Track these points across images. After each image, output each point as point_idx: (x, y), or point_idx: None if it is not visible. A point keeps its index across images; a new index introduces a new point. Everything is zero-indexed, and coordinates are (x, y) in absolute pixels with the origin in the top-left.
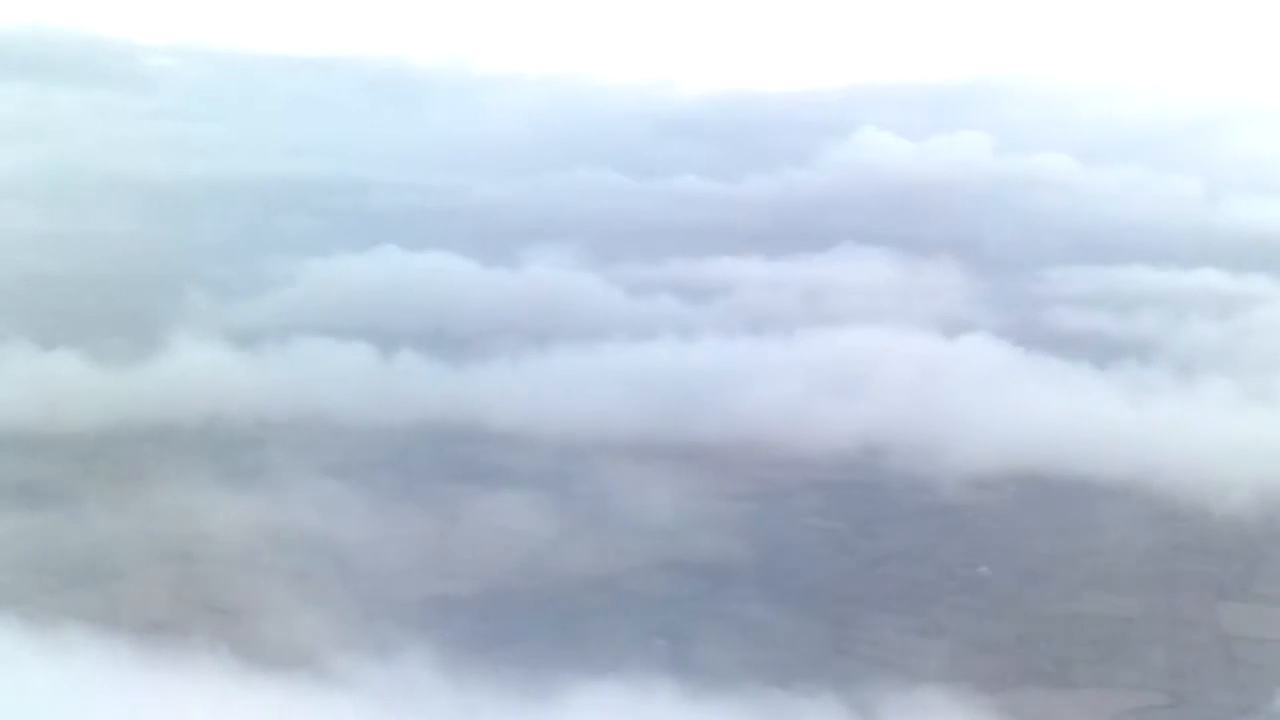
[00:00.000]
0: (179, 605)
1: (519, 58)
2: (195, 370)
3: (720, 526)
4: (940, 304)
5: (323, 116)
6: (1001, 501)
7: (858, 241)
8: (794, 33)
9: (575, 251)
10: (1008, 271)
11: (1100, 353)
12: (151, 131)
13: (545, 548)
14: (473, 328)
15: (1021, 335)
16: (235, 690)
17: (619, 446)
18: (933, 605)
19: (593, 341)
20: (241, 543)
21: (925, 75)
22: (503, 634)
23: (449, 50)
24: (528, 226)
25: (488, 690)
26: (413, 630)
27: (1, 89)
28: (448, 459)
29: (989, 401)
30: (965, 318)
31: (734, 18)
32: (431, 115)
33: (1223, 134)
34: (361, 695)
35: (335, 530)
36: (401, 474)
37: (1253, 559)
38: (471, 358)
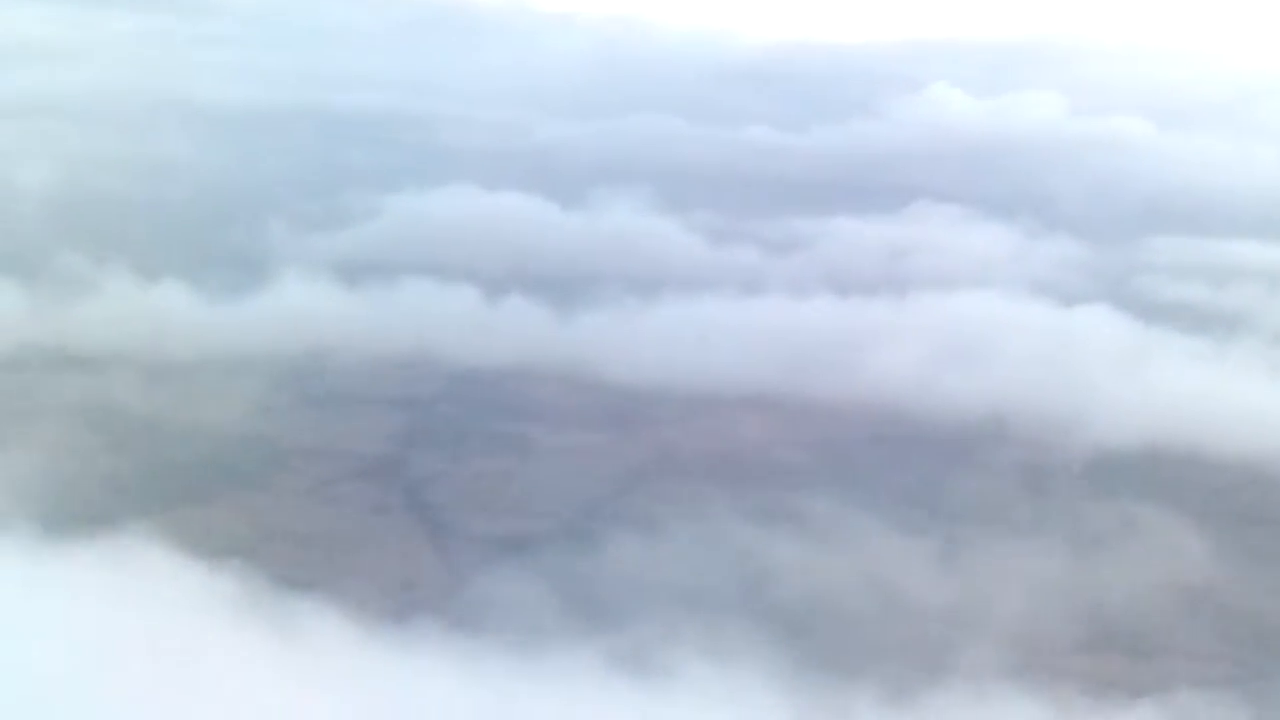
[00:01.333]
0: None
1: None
2: (303, 305)
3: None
4: (1034, 270)
5: (382, 49)
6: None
7: (933, 199)
8: None
9: (645, 197)
10: (1094, 238)
11: (1197, 324)
12: (208, 58)
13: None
14: (560, 271)
15: (1121, 305)
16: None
17: (759, 404)
18: None
19: (685, 292)
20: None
21: (993, 32)
22: None
23: None
24: (595, 169)
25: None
26: (490, 564)
27: (54, 11)
28: (549, 404)
29: (1116, 374)
30: (1064, 285)
31: None
32: (490, 52)
33: None
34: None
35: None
36: (496, 414)
37: None
38: (573, 304)
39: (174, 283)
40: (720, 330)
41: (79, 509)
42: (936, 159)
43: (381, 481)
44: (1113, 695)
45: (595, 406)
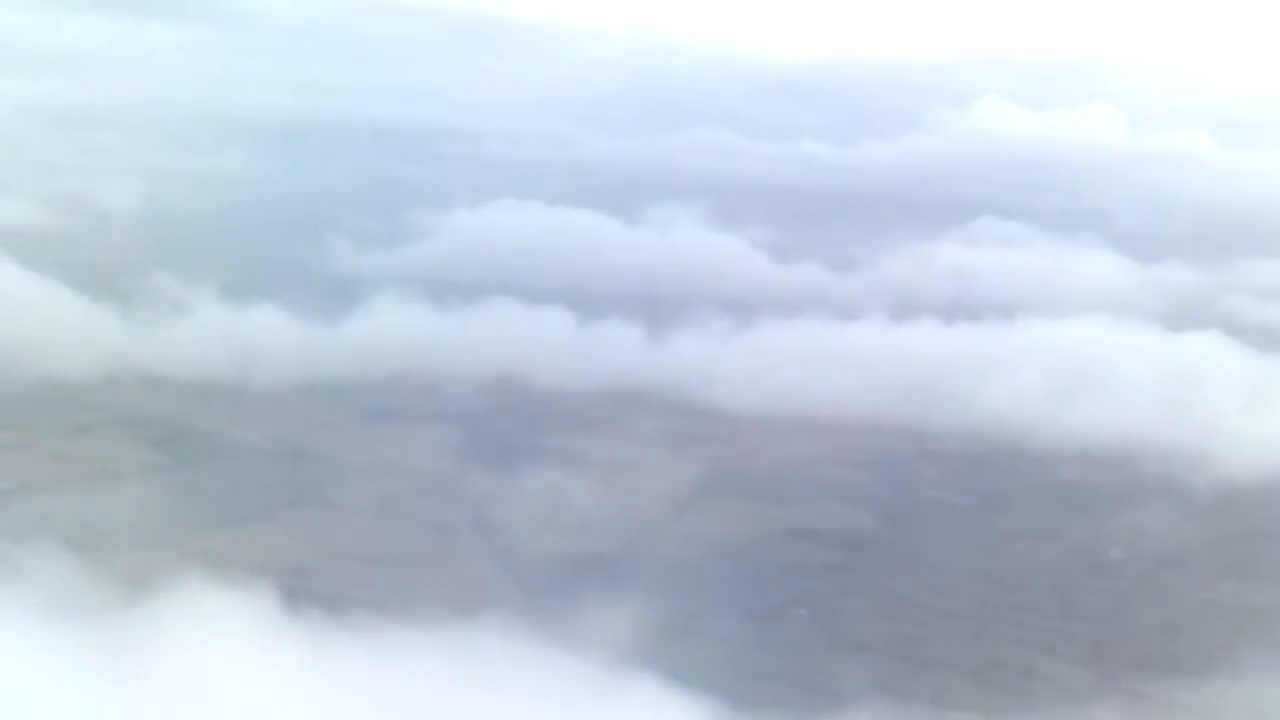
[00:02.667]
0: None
1: (608, 12)
2: (393, 326)
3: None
4: (1117, 292)
5: (420, 61)
6: None
7: (994, 216)
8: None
9: (701, 212)
10: (1166, 257)
11: None
12: (248, 69)
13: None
14: (630, 289)
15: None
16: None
17: (875, 431)
18: None
19: (759, 312)
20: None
21: (1038, 45)
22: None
23: (547, 3)
24: (648, 184)
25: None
26: (558, 584)
27: (92, 21)
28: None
29: (1237, 403)
30: (1156, 309)
31: None
32: (528, 66)
33: None
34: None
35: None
36: (556, 431)
37: None
38: (664, 325)
39: (255, 303)
40: (825, 356)
41: (146, 527)
42: (992, 174)
43: (445, 499)
44: None
45: (688, 428)
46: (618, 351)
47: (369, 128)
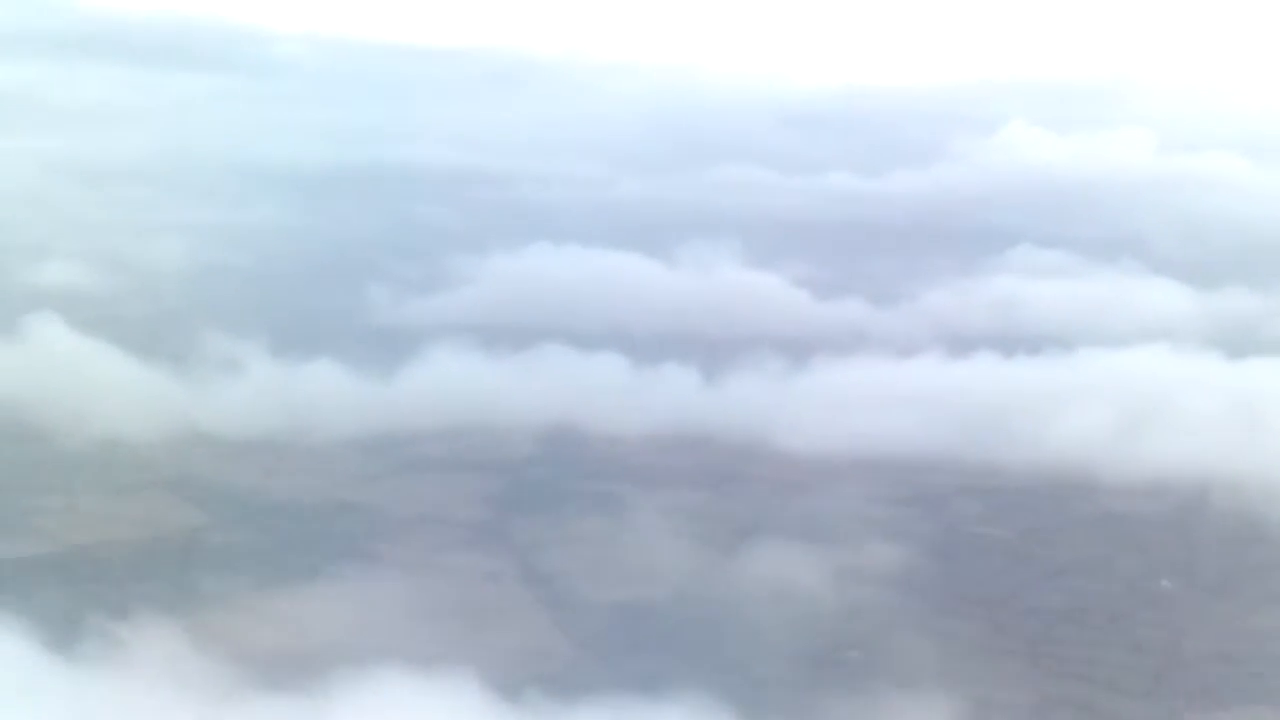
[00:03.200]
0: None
1: (629, 49)
2: (441, 376)
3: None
4: (1167, 318)
5: (447, 105)
6: None
7: (1035, 244)
8: (899, 28)
9: (736, 249)
10: (1217, 281)
11: None
12: (274, 116)
13: None
14: (678, 330)
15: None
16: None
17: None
18: None
19: (807, 350)
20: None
21: (1058, 70)
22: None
23: (565, 41)
24: (681, 222)
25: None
26: (612, 632)
27: (117, 73)
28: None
29: None
30: (1207, 333)
31: (838, 12)
32: (552, 105)
33: None
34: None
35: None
36: (595, 476)
37: None
38: (712, 366)
39: (303, 357)
40: (875, 393)
41: (191, 587)
42: (1025, 201)
43: (489, 549)
44: None
45: (737, 470)
46: (667, 395)
47: (400, 173)
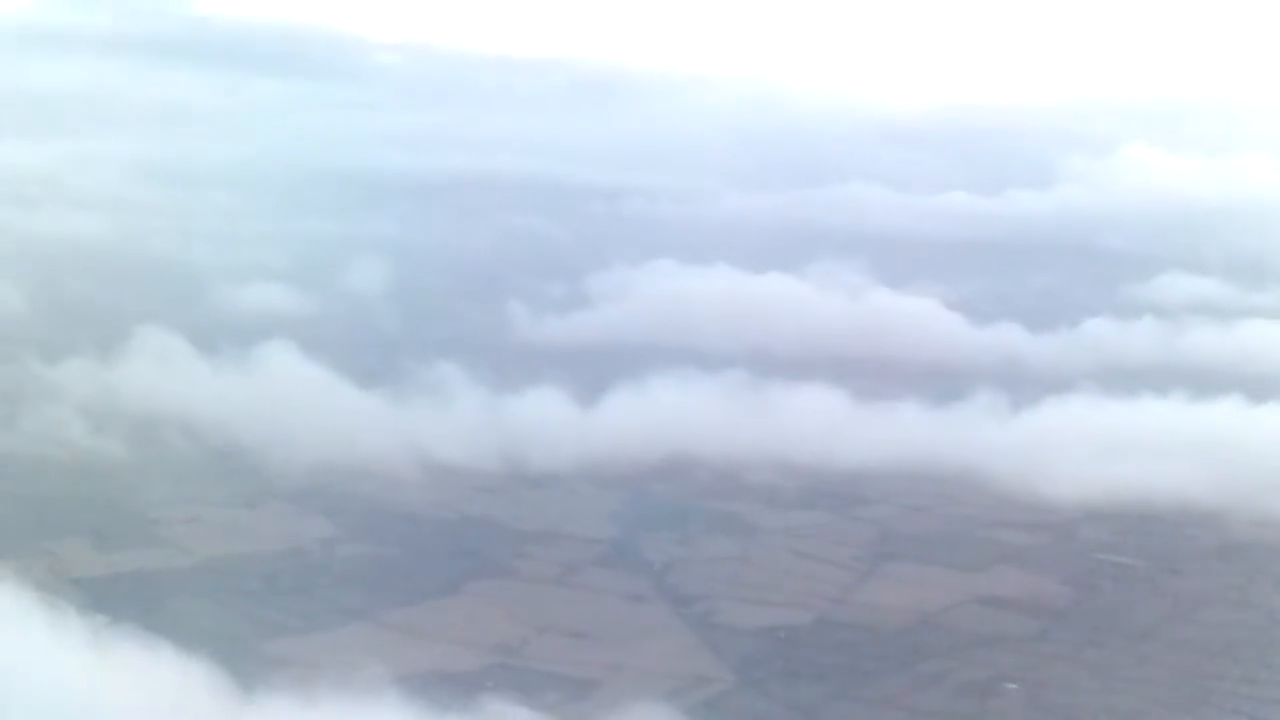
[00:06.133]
0: None
1: (716, 60)
2: (590, 393)
3: None
4: None
5: (540, 115)
6: None
7: (1182, 270)
8: (996, 45)
9: (867, 268)
10: None
11: None
12: (357, 123)
13: None
14: (828, 352)
15: None
16: None
17: None
18: None
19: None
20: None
21: (1175, 90)
22: None
23: (654, 52)
24: (802, 239)
25: None
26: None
27: (196, 77)
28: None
29: None
30: None
31: (924, 28)
32: (646, 117)
33: None
34: None
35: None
36: (717, 495)
37: None
38: (880, 392)
39: (443, 372)
40: (1047, 426)
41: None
42: (1155, 226)
43: (626, 567)
44: None
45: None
46: (827, 419)
47: (504, 184)
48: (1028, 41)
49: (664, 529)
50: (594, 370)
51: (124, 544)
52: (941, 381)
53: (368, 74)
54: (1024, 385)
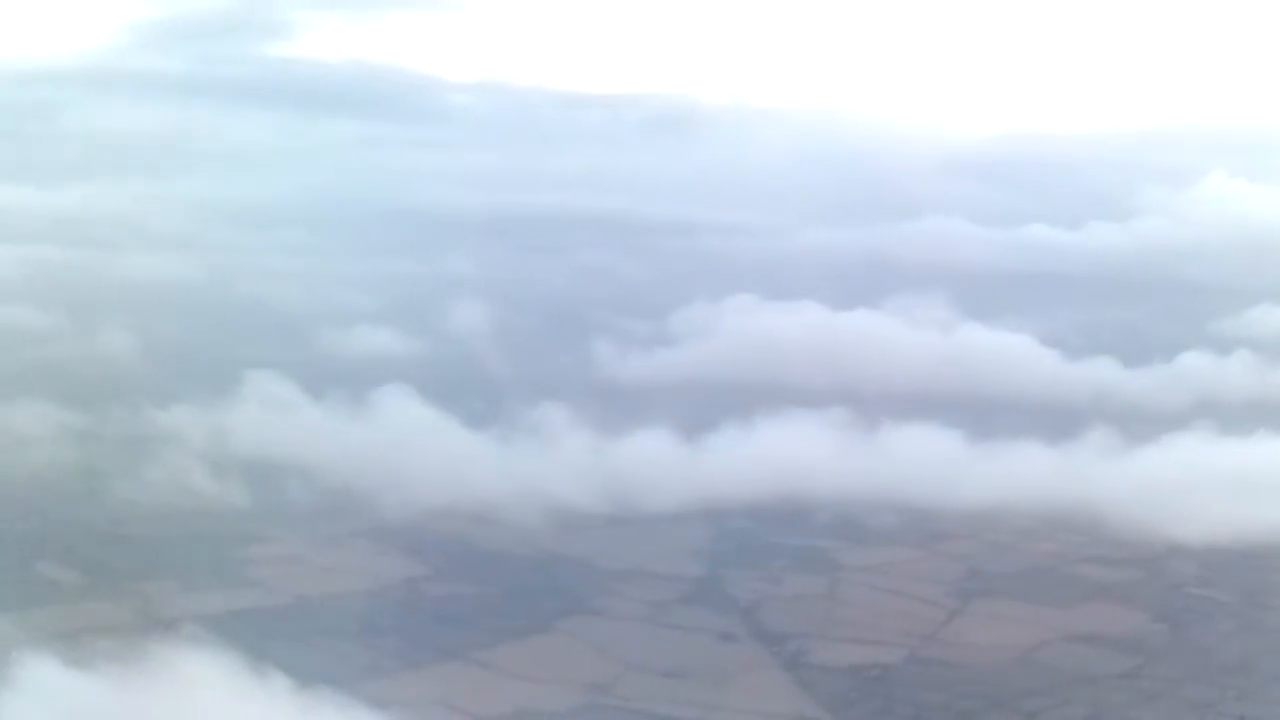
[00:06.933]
0: None
1: (787, 94)
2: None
3: None
4: None
5: (614, 152)
6: None
7: (1275, 302)
8: (1067, 73)
9: (947, 303)
10: None
11: None
12: (430, 162)
13: None
14: (928, 390)
15: None
16: None
17: None
18: None
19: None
20: None
21: (1254, 118)
22: None
23: (725, 86)
24: (882, 274)
25: None
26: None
27: (265, 118)
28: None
29: None
30: None
31: (995, 56)
32: (719, 152)
33: None
34: None
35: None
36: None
37: None
38: (982, 429)
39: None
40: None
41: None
42: (1240, 257)
43: (713, 605)
44: None
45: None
46: (929, 458)
47: (576, 221)
48: (1099, 70)
49: (749, 566)
50: (682, 408)
51: (215, 583)
52: (1036, 417)
53: (442, 113)
54: (1121, 421)
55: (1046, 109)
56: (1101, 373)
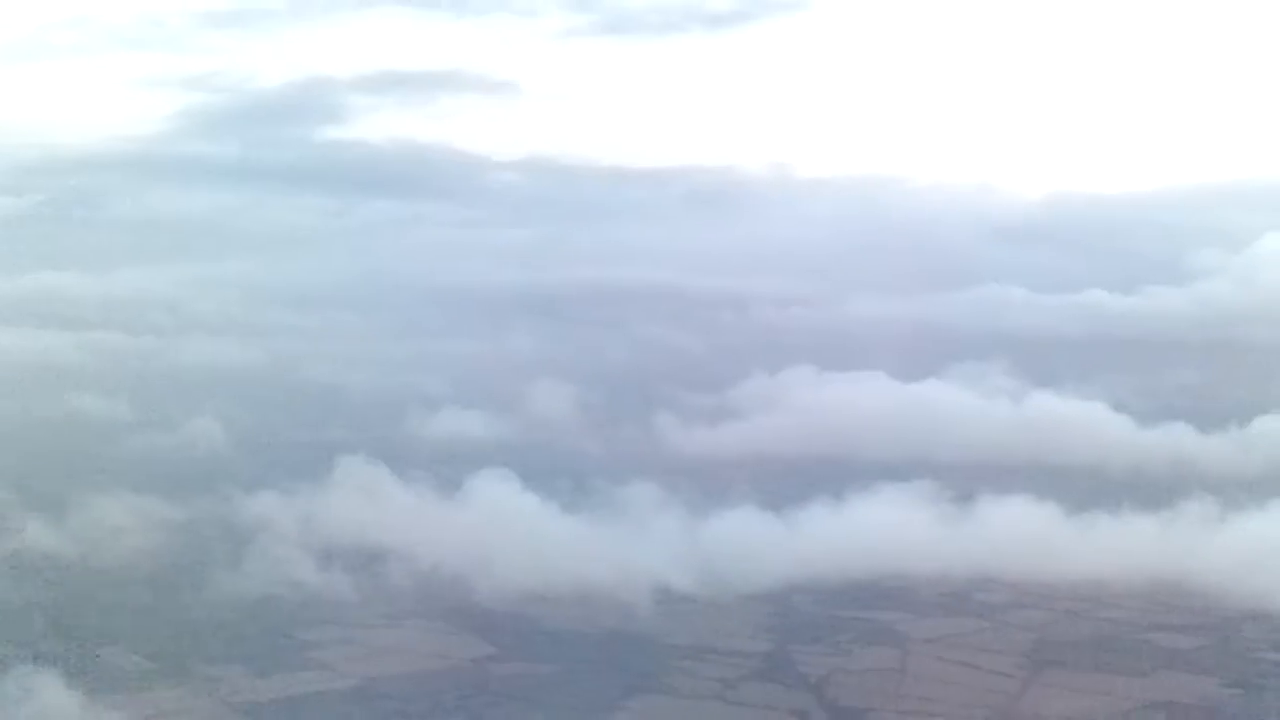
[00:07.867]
0: None
1: (835, 163)
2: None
3: None
4: None
5: (660, 226)
6: None
7: None
8: (1108, 136)
9: (1009, 371)
10: None
11: None
12: (470, 240)
13: None
14: (998, 461)
15: None
16: None
17: None
18: None
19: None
20: None
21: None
22: None
23: (769, 157)
24: (938, 343)
25: None
26: None
27: (305, 201)
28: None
29: None
30: None
31: (1035, 122)
32: (766, 224)
33: None
34: None
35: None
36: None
37: None
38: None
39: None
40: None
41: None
42: None
43: (782, 681)
44: None
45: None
46: (1013, 531)
47: (626, 296)
48: (1145, 130)
49: (815, 641)
50: (764, 483)
51: (278, 668)
52: (1120, 486)
53: (488, 191)
54: (1208, 487)
55: (1092, 171)
56: (1178, 439)
